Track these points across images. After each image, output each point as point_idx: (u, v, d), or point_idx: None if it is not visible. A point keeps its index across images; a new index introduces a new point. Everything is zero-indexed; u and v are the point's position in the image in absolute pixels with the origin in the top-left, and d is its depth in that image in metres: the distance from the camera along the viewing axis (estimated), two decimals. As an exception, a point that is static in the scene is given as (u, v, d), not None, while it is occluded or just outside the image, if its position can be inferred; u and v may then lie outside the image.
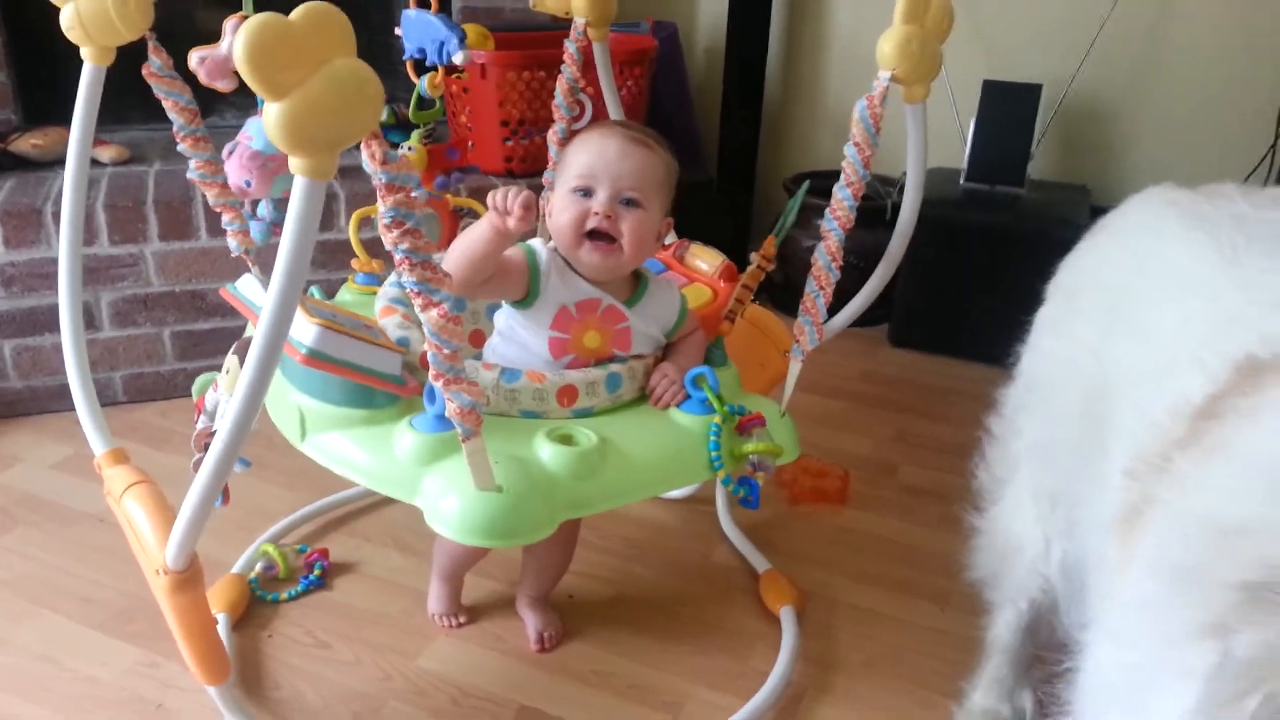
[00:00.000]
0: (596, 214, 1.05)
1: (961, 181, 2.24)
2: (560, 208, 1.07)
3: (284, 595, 1.34)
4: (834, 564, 1.47)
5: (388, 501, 1.58)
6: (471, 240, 1.01)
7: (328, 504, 1.54)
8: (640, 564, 1.46)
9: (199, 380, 1.11)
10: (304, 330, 0.95)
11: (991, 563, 1.10)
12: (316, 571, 1.38)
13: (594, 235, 1.06)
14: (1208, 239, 0.86)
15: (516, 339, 1.09)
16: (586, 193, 1.06)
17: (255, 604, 1.33)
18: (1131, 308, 0.91)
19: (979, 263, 2.06)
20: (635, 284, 1.13)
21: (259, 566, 1.37)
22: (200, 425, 1.08)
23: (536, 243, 1.09)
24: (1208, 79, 2.18)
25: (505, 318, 1.11)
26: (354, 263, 1.31)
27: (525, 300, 1.07)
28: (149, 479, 1.02)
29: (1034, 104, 2.17)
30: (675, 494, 1.61)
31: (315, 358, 0.94)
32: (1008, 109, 2.18)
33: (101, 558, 1.41)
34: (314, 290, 1.19)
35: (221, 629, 1.24)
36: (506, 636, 1.29)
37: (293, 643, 1.27)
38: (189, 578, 0.91)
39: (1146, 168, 2.27)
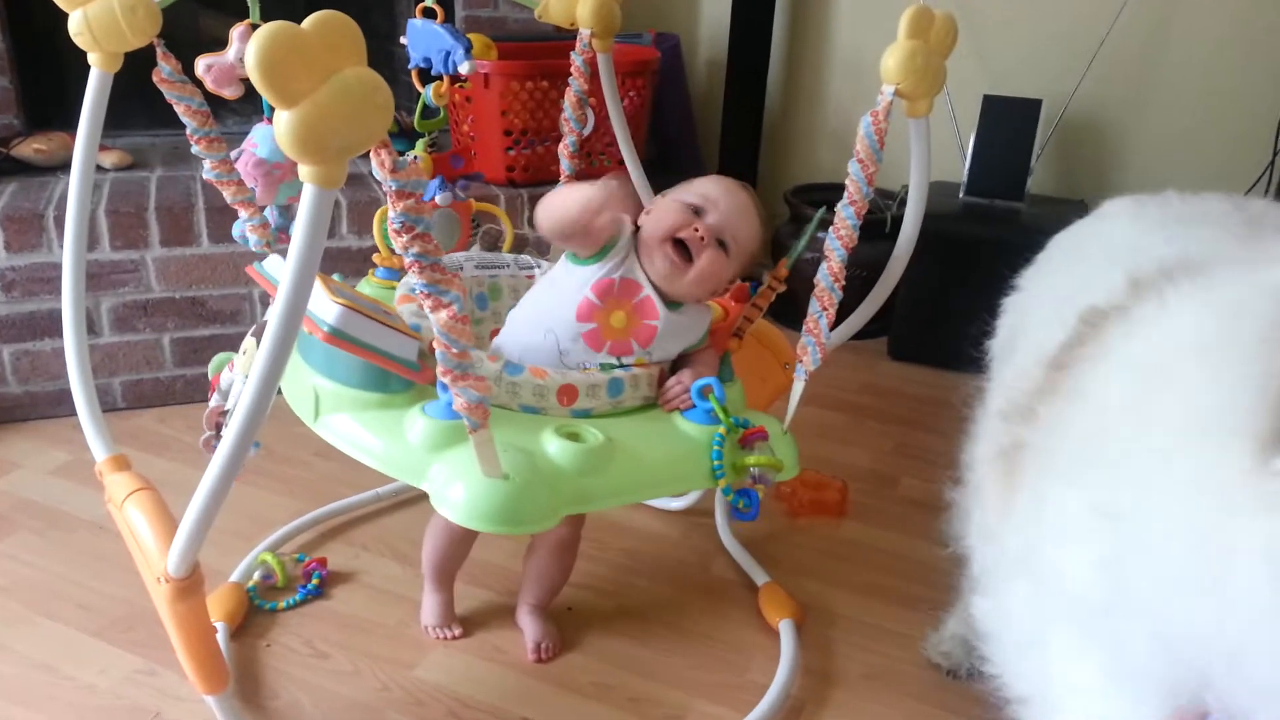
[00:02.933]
0: (695, 230, 1.10)
1: (961, 195, 2.25)
2: (665, 209, 1.12)
3: (282, 604, 1.34)
4: (833, 577, 1.47)
5: (386, 511, 1.57)
6: (567, 204, 1.07)
7: (326, 513, 1.54)
8: (639, 576, 1.46)
9: (215, 359, 1.12)
10: (327, 309, 0.96)
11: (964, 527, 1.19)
12: (315, 581, 1.37)
13: (678, 244, 1.10)
14: (1128, 216, 1.02)
15: (558, 288, 1.13)
16: (697, 211, 1.11)
17: (253, 613, 1.32)
18: (1055, 274, 1.06)
19: (978, 276, 2.07)
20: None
21: (257, 575, 1.37)
22: (213, 403, 1.09)
23: (625, 218, 1.14)
24: (1206, 94, 2.20)
25: (561, 266, 1.15)
26: (375, 257, 1.32)
27: (589, 259, 1.11)
28: (150, 486, 1.01)
29: (1034, 119, 2.18)
30: (674, 505, 1.61)
31: (336, 336, 0.96)
32: (1008, 123, 2.19)
33: (100, 565, 1.40)
34: (337, 277, 1.20)
35: (220, 638, 1.23)
36: (505, 648, 1.29)
37: (291, 652, 1.26)
38: (190, 585, 0.90)
39: (1145, 183, 2.23)
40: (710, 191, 1.13)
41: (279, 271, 1.12)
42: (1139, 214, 1.03)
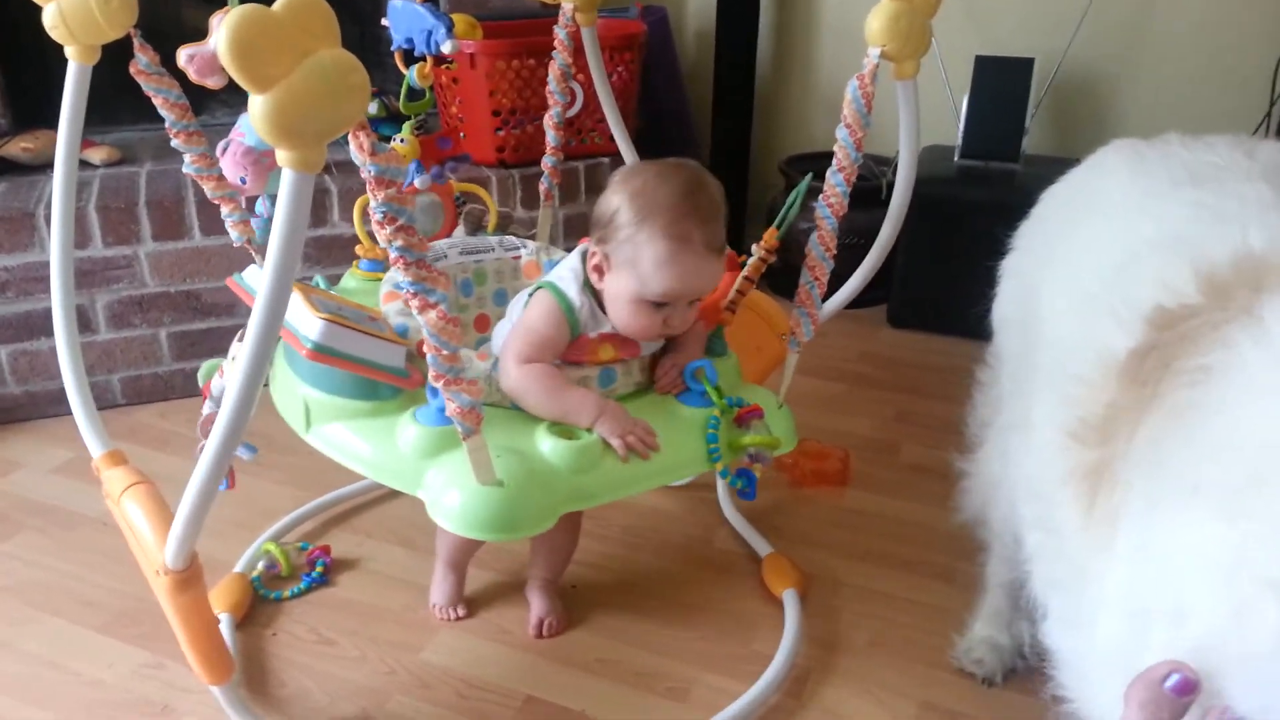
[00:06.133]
0: (669, 325, 1.06)
1: (956, 158, 2.23)
2: (633, 311, 1.04)
3: (287, 593, 1.34)
4: (836, 545, 1.47)
5: (389, 497, 1.57)
6: (559, 409, 1.01)
7: (329, 501, 1.54)
8: (642, 551, 1.46)
9: (205, 366, 1.12)
10: (309, 325, 0.95)
11: (977, 504, 1.16)
12: (319, 569, 1.38)
13: None
14: (1129, 170, 0.97)
15: None
16: (660, 305, 1.05)
17: (258, 603, 1.33)
18: (1059, 237, 0.99)
19: (975, 241, 2.05)
20: None
21: (261, 565, 1.37)
22: (206, 410, 1.09)
23: (565, 283, 1.06)
24: (1200, 46, 2.17)
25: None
26: (358, 249, 1.31)
27: None
28: (147, 480, 1.02)
29: (1027, 78, 2.15)
30: (675, 481, 1.60)
31: (320, 352, 0.95)
32: (1001, 84, 2.17)
33: (104, 561, 1.41)
34: (318, 280, 1.19)
35: (225, 628, 1.24)
36: (510, 628, 1.29)
37: (297, 640, 1.27)
38: (189, 577, 0.90)
39: (1142, 138, 2.25)
40: (669, 282, 1.03)
41: (257, 282, 1.10)
42: (1139, 167, 0.97)
